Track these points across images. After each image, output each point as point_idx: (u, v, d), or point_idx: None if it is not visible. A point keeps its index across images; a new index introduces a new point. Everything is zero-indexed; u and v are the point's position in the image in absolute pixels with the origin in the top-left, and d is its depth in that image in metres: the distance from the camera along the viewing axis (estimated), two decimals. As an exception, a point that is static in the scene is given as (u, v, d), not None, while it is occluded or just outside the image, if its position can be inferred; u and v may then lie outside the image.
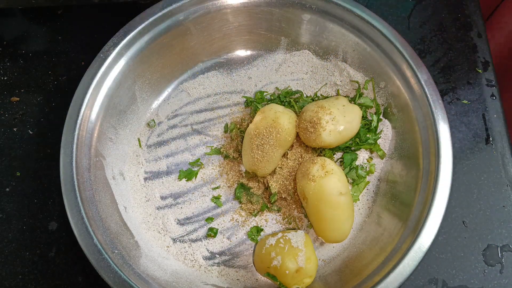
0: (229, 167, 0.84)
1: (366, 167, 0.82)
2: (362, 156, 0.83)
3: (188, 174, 0.83)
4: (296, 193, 0.79)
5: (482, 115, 0.86)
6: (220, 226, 0.81)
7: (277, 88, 0.89)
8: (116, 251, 0.69)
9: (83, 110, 0.75)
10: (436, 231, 0.67)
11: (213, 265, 0.78)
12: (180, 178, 0.83)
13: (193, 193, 0.83)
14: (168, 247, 0.79)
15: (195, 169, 0.84)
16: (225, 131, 0.87)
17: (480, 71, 0.90)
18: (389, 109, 0.83)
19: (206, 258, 0.78)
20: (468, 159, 0.83)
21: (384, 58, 0.80)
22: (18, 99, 0.90)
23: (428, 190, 0.70)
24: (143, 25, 0.79)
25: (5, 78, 0.92)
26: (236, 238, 0.80)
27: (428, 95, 0.74)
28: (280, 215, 0.81)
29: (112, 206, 0.76)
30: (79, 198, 0.70)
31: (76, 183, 0.71)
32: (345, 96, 0.85)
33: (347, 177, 0.80)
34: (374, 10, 0.80)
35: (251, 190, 0.82)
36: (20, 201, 0.82)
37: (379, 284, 0.65)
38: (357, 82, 0.85)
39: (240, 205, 0.82)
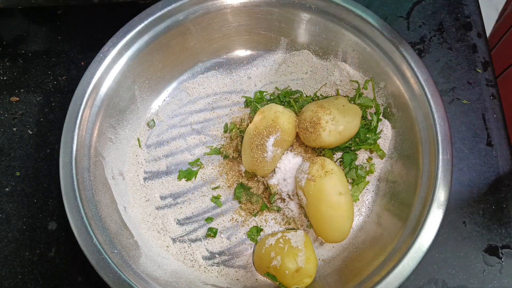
0: (228, 167, 0.84)
1: (366, 167, 0.82)
2: (362, 156, 0.83)
3: (188, 174, 0.83)
4: (296, 193, 0.79)
5: (482, 115, 0.86)
6: (220, 226, 0.81)
7: (276, 88, 0.89)
8: (115, 251, 0.69)
9: (83, 110, 0.75)
10: (436, 231, 0.67)
11: (212, 265, 0.78)
12: (179, 178, 0.83)
13: (192, 193, 0.83)
14: (167, 247, 0.79)
15: (195, 169, 0.84)
16: (225, 131, 0.87)
17: (480, 71, 0.90)
18: (389, 109, 0.83)
19: (205, 258, 0.78)
20: (467, 159, 0.83)
21: (384, 58, 0.80)
22: (18, 99, 0.90)
23: (428, 190, 0.70)
24: (142, 25, 0.79)
25: (5, 78, 0.92)
26: (236, 238, 0.80)
27: (428, 95, 0.74)
28: (280, 215, 0.81)
29: (111, 206, 0.76)
30: (78, 198, 0.70)
31: (75, 183, 0.71)
32: (344, 96, 0.85)
33: (347, 177, 0.80)
34: (374, 10, 0.80)
35: (251, 190, 0.82)
36: (19, 201, 0.82)
37: (379, 284, 0.65)
38: (356, 82, 0.85)
39: (240, 205, 0.82)
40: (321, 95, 0.88)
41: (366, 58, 0.83)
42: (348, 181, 0.80)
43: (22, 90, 0.91)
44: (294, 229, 0.79)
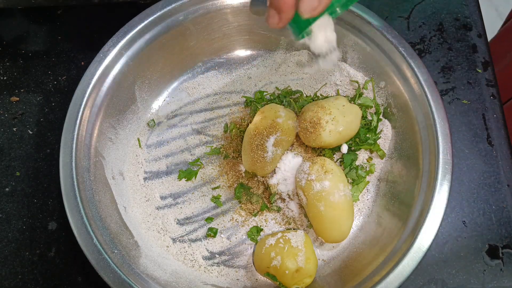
0: (228, 167, 0.84)
1: (366, 167, 0.82)
2: (362, 156, 0.83)
3: (188, 174, 0.83)
4: (296, 193, 0.79)
5: (482, 115, 0.86)
6: (220, 226, 0.81)
7: (277, 88, 0.89)
8: (115, 251, 0.69)
9: (83, 110, 0.75)
10: (436, 231, 0.67)
11: (212, 265, 0.78)
12: (179, 178, 0.83)
13: (192, 193, 0.83)
14: (167, 247, 0.79)
15: (195, 169, 0.84)
16: (225, 131, 0.87)
17: (480, 71, 0.90)
18: (389, 109, 0.83)
19: (205, 258, 0.78)
20: (468, 159, 0.83)
21: (384, 58, 0.80)
22: (17, 99, 0.90)
23: (428, 190, 0.70)
24: (142, 25, 0.79)
25: (5, 78, 0.92)
26: (236, 238, 0.80)
27: (428, 95, 0.74)
28: (280, 215, 0.81)
29: (111, 206, 0.76)
30: (78, 198, 0.70)
31: (75, 183, 0.71)
32: (345, 96, 0.85)
33: (347, 177, 0.80)
34: (374, 10, 0.80)
35: (251, 190, 0.82)
36: (19, 201, 0.82)
37: (379, 284, 0.65)
38: (357, 82, 0.85)
39: (240, 205, 0.82)
40: (321, 95, 0.88)
41: (366, 58, 0.83)
42: (348, 181, 0.80)
43: (22, 90, 0.91)
44: (294, 229, 0.79)
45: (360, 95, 0.84)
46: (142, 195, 0.82)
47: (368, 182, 0.82)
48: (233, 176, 0.83)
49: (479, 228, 0.79)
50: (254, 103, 0.87)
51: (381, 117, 0.84)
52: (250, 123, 0.80)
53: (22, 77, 0.92)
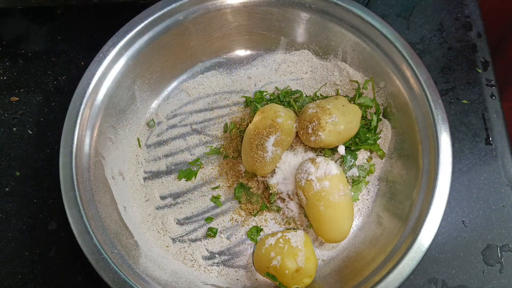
0: (228, 167, 0.84)
1: (366, 167, 0.82)
2: (362, 156, 0.83)
3: (188, 174, 0.83)
4: (296, 193, 0.79)
5: (481, 115, 0.86)
6: (220, 226, 0.81)
7: (276, 88, 0.89)
8: (115, 251, 0.69)
9: (83, 110, 0.75)
10: (436, 231, 0.67)
11: (212, 265, 0.78)
12: (179, 178, 0.83)
13: (192, 193, 0.83)
14: (167, 247, 0.79)
15: (195, 169, 0.84)
16: (225, 131, 0.87)
17: (480, 71, 0.90)
18: (388, 109, 0.82)
19: (205, 258, 0.78)
20: (467, 159, 0.83)
21: (384, 58, 0.80)
22: (17, 99, 0.90)
23: (427, 190, 0.70)
24: (142, 25, 0.79)
25: (5, 78, 0.92)
26: (236, 238, 0.80)
27: (428, 95, 0.74)
28: (280, 215, 0.81)
29: (111, 206, 0.76)
30: (78, 198, 0.70)
31: (75, 183, 0.71)
32: (344, 96, 0.85)
33: (347, 177, 0.80)
34: (374, 10, 0.80)
35: (251, 190, 0.82)
36: (19, 201, 0.82)
37: (379, 284, 0.65)
38: (356, 82, 0.85)
39: (240, 205, 0.82)
40: (321, 95, 0.88)
41: (366, 58, 0.83)
42: (348, 181, 0.80)
43: (22, 90, 0.91)
44: (294, 229, 0.79)
45: (360, 95, 0.84)
46: (142, 195, 0.82)
47: (368, 182, 0.82)
48: (233, 176, 0.83)
49: (479, 228, 0.79)
50: (254, 103, 0.87)
51: (381, 117, 0.84)
52: (250, 123, 0.80)
53: (22, 77, 0.92)
